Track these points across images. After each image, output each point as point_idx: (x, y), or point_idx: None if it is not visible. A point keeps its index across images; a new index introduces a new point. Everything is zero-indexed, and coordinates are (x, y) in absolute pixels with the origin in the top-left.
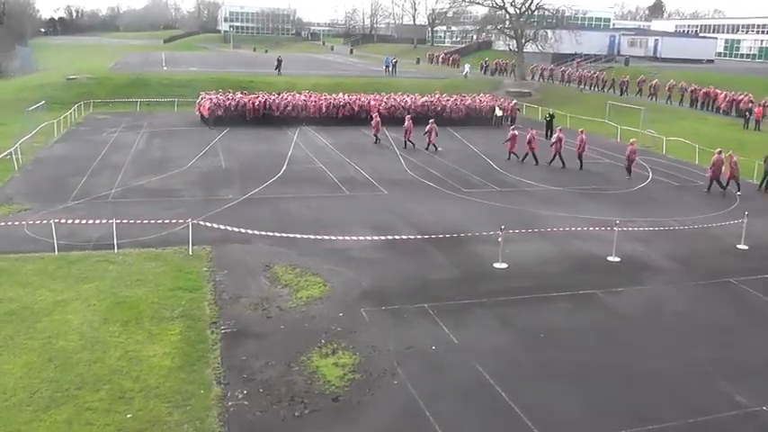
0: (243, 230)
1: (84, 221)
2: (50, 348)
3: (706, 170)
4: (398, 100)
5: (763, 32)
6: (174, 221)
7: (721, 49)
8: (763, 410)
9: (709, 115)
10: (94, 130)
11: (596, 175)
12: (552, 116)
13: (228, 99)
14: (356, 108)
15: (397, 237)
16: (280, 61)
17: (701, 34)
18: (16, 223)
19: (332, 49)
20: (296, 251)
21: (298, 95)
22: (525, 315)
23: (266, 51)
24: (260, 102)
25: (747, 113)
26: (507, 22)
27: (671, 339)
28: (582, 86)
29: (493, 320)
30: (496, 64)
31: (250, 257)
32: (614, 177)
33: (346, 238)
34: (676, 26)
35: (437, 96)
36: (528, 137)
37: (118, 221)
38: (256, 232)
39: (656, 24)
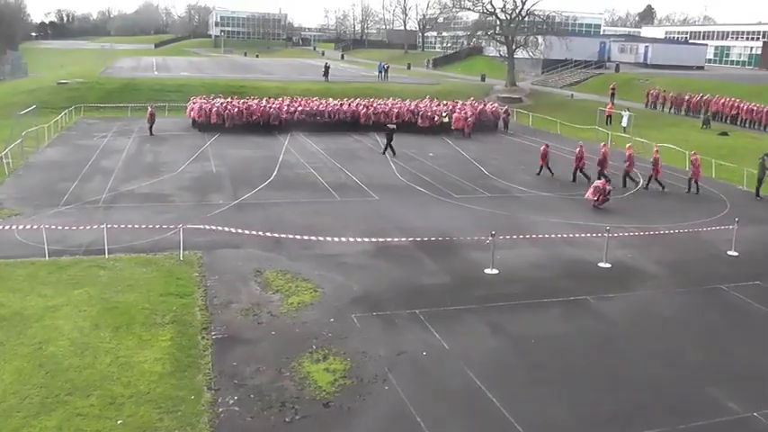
0: (235, 231)
1: (74, 227)
2: (41, 354)
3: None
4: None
5: (752, 39)
6: (165, 227)
7: (711, 56)
8: (755, 416)
9: (699, 122)
10: (85, 134)
11: (587, 181)
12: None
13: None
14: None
15: (388, 242)
16: (327, 67)
17: (691, 41)
18: (7, 228)
19: (323, 54)
20: (287, 256)
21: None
22: (516, 321)
23: (257, 56)
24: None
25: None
26: (498, 28)
27: (662, 345)
28: (571, 94)
29: (484, 326)
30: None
31: (241, 263)
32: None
33: (337, 243)
34: (666, 33)
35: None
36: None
37: (109, 227)
38: (248, 232)
39: (647, 31)
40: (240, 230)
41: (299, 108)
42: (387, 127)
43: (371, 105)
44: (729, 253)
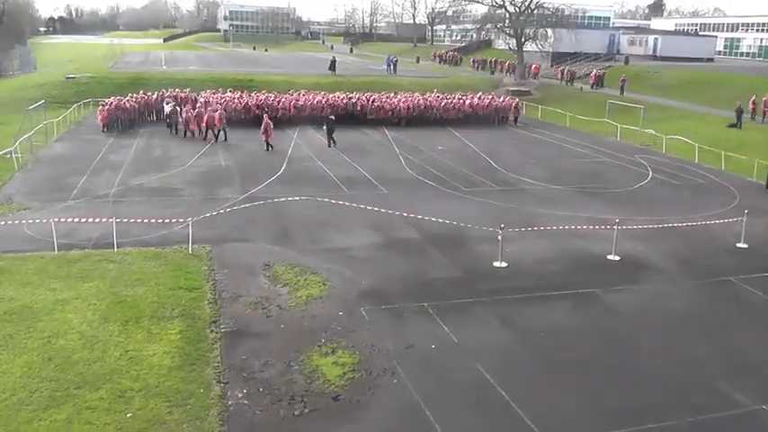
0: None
1: (83, 220)
2: (50, 348)
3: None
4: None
5: (763, 31)
6: (173, 220)
7: (721, 48)
8: (763, 409)
9: (709, 114)
10: (94, 129)
11: (596, 173)
12: None
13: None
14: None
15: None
16: (334, 61)
17: (700, 33)
18: (16, 222)
19: (331, 47)
20: (295, 250)
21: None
22: (525, 314)
23: (266, 50)
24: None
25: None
26: (507, 21)
27: (671, 338)
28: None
29: (493, 319)
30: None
31: (250, 256)
32: (614, 176)
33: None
34: (676, 25)
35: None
36: None
37: (118, 220)
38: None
39: (656, 23)
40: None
41: (309, 103)
42: (327, 118)
43: (379, 99)
44: (739, 245)
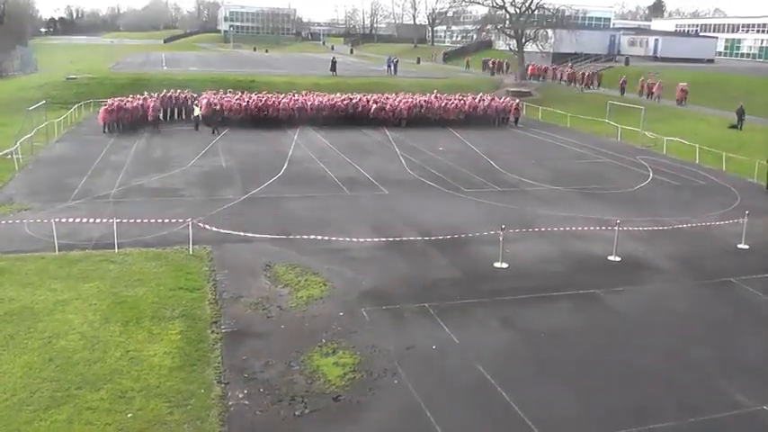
0: (243, 232)
1: (84, 221)
2: (51, 348)
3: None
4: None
5: (763, 32)
6: (174, 221)
7: (721, 49)
8: (764, 410)
9: (709, 115)
10: (95, 129)
11: (597, 174)
12: None
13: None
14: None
15: (397, 237)
16: (334, 62)
17: (701, 34)
18: (17, 222)
19: (332, 48)
20: (296, 251)
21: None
22: (526, 315)
23: (266, 51)
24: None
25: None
26: (507, 22)
27: (671, 339)
28: (582, 86)
29: (494, 320)
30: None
31: (250, 257)
32: (614, 177)
33: (347, 237)
34: (676, 25)
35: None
36: None
37: (118, 221)
38: (257, 235)
39: (657, 24)
40: (249, 232)
41: (309, 104)
42: (214, 110)
43: (380, 100)
44: (740, 246)
